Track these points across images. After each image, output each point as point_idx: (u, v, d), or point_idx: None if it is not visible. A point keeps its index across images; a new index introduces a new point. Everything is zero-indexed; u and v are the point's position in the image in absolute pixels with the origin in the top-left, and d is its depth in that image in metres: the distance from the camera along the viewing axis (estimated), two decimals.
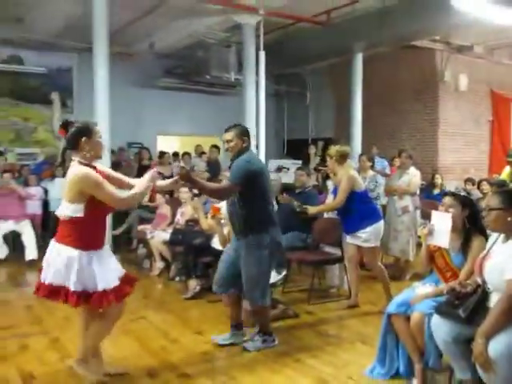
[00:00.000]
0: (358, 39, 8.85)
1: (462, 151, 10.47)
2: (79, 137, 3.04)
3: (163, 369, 3.52)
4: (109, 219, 7.37)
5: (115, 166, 7.96)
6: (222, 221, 4.36)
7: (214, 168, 8.32)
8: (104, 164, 7.26)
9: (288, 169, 6.01)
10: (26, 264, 6.89)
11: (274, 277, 5.45)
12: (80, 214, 2.97)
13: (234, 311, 3.98)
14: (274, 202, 6.13)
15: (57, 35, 9.12)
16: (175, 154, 9.88)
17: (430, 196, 7.70)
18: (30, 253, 6.96)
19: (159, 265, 6.30)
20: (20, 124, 9.87)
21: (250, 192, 3.59)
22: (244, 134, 3.75)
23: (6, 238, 7.19)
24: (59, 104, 10.04)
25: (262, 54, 8.30)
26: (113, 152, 8.15)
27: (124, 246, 7.84)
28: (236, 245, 3.81)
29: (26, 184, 7.78)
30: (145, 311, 4.83)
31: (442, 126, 10.14)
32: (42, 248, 7.26)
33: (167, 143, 11.52)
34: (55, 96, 10.01)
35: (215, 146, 9.02)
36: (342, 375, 3.40)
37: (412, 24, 7.76)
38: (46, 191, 8.18)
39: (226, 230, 4.40)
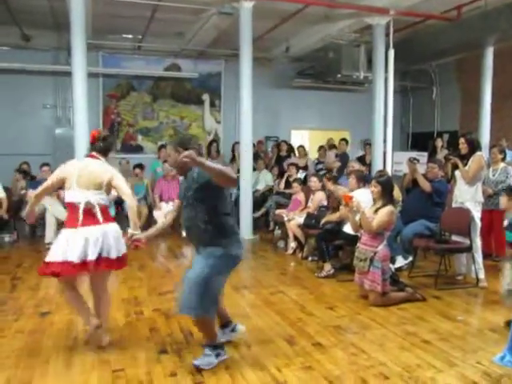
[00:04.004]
0: (489, 33, 8.03)
1: None
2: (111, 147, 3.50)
3: (300, 337, 3.58)
4: (249, 204, 7.71)
5: (255, 156, 8.24)
6: (354, 208, 4.27)
7: (343, 159, 8.21)
8: (247, 155, 7.69)
9: (418, 160, 5.70)
10: (183, 239, 7.40)
11: (400, 261, 5.33)
12: (107, 203, 3.40)
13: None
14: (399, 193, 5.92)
15: (208, 45, 9.62)
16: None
17: None
18: None
19: (293, 245, 6.40)
20: (177, 121, 10.61)
21: (215, 201, 3.01)
22: (179, 145, 3.10)
23: (166, 217, 7.78)
24: (209, 104, 10.68)
25: (392, 52, 7.96)
26: (254, 145, 8.41)
27: (262, 227, 8.10)
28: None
29: None
30: (282, 286, 4.94)
31: None
32: None
33: (299, 137, 11.64)
34: (206, 97, 10.66)
35: (344, 139, 8.91)
36: (470, 360, 3.17)
37: None
38: None
39: (358, 216, 4.32)
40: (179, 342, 3.50)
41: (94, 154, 3.36)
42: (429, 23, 8.56)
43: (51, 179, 3.36)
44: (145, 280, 5.23)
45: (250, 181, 7.81)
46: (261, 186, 8.52)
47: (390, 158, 7.99)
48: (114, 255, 3.23)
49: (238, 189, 8.18)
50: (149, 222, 7.73)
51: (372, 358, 3.19)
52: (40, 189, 3.39)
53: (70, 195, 3.25)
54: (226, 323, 3.47)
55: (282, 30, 8.80)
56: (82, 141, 6.84)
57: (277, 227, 7.21)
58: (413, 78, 11.60)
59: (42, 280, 5.15)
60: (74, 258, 3.10)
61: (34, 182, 7.37)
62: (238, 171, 8.25)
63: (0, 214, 6.98)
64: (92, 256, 3.13)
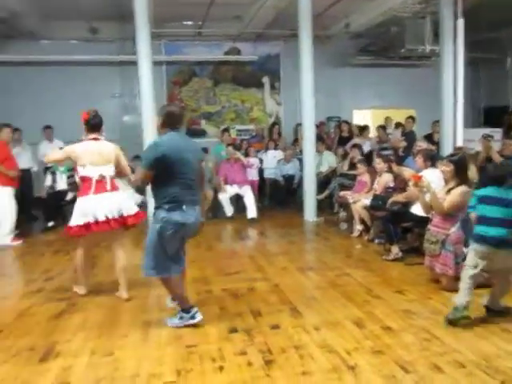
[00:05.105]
0: None
1: None
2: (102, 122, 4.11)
3: (368, 320, 3.53)
4: (312, 186, 7.64)
5: (317, 138, 8.12)
6: (424, 189, 4.10)
7: (409, 138, 7.90)
8: (308, 137, 7.60)
9: (492, 137, 5.37)
10: (248, 221, 7.51)
11: None
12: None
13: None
14: None
15: (266, 26, 9.51)
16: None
17: None
18: (251, 212, 7.54)
19: (359, 227, 6.28)
20: (239, 105, 10.66)
21: (158, 175, 3.31)
22: (159, 113, 3.53)
23: (231, 199, 7.94)
24: (269, 86, 10.62)
25: (461, 22, 7.45)
26: (317, 126, 8.28)
27: (326, 209, 8.02)
28: None
29: (247, 155, 8.42)
30: (348, 269, 4.87)
31: None
32: (259, 208, 7.88)
33: (361, 116, 11.32)
34: (265, 80, 10.63)
35: (411, 117, 8.56)
36: None
37: None
38: (261, 161, 8.76)
39: (428, 197, 4.15)
40: (248, 321, 3.57)
41: (94, 136, 4.04)
42: None
43: (62, 154, 4.09)
44: (213, 260, 5.37)
45: (312, 163, 7.73)
46: (324, 168, 8.41)
47: (460, 136, 7.55)
48: (125, 213, 4.00)
49: (301, 171, 8.13)
50: (214, 204, 7.90)
51: (445, 345, 3.08)
52: (55, 157, 4.31)
53: (85, 171, 3.96)
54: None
55: (342, 5, 8.52)
56: (148, 127, 7.05)
57: (341, 209, 7.10)
58: (484, 48, 10.83)
59: None
60: (92, 218, 3.86)
61: None
62: (301, 153, 8.19)
63: None
64: (110, 215, 3.91)
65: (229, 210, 7.78)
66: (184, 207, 3.32)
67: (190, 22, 9.51)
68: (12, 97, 9.05)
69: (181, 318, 3.50)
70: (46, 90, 9.37)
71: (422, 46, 9.25)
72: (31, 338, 3.34)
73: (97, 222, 3.88)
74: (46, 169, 7.66)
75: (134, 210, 4.15)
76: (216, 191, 7.87)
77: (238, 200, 8.04)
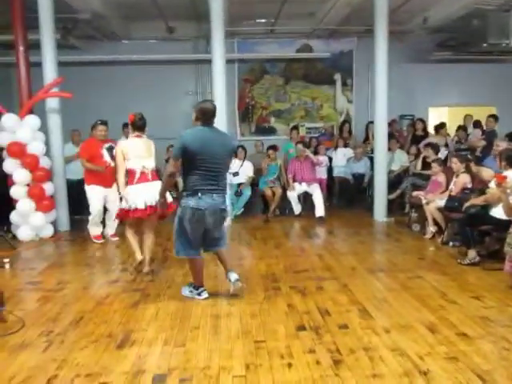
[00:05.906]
0: None
1: None
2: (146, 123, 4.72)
3: (442, 326, 3.39)
4: (383, 185, 7.44)
5: (389, 136, 7.90)
6: (508, 190, 3.86)
7: (489, 137, 7.47)
8: (380, 135, 7.41)
9: None
10: (316, 220, 7.46)
11: None
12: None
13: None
14: None
15: (340, 23, 9.36)
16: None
17: None
18: (319, 211, 7.48)
19: (432, 229, 6.04)
20: (309, 103, 10.59)
21: (184, 164, 3.71)
22: (194, 107, 3.85)
23: (299, 197, 7.92)
24: (340, 83, 10.46)
25: None
26: (389, 124, 8.05)
27: (397, 209, 7.79)
28: None
29: (316, 153, 8.36)
30: (421, 271, 4.71)
31: None
32: (327, 207, 7.81)
33: (437, 114, 10.85)
34: (337, 77, 10.46)
35: (493, 116, 8.08)
36: None
37: None
38: (330, 159, 8.67)
39: (511, 199, 3.90)
40: (316, 320, 3.55)
41: (138, 134, 4.65)
42: None
43: (120, 157, 4.62)
44: (281, 258, 5.39)
45: (384, 161, 7.53)
46: (395, 167, 8.17)
47: None
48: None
49: (372, 169, 7.96)
50: (282, 202, 7.94)
51: None
52: (118, 162, 4.68)
53: (130, 163, 4.55)
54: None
55: (419, 0, 8.20)
56: (220, 125, 7.19)
57: (413, 210, 6.86)
58: None
59: None
60: (141, 204, 4.46)
61: None
62: (372, 151, 8.01)
63: None
64: (149, 202, 4.47)
65: (297, 208, 7.79)
66: (199, 194, 3.66)
67: (262, 20, 9.57)
68: (93, 95, 9.52)
69: (190, 291, 4.08)
70: (124, 88, 9.75)
71: (507, 40, 8.69)
72: (109, 326, 3.52)
73: (136, 209, 4.47)
74: None
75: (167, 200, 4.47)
76: (284, 189, 7.90)
77: (306, 198, 8.02)
